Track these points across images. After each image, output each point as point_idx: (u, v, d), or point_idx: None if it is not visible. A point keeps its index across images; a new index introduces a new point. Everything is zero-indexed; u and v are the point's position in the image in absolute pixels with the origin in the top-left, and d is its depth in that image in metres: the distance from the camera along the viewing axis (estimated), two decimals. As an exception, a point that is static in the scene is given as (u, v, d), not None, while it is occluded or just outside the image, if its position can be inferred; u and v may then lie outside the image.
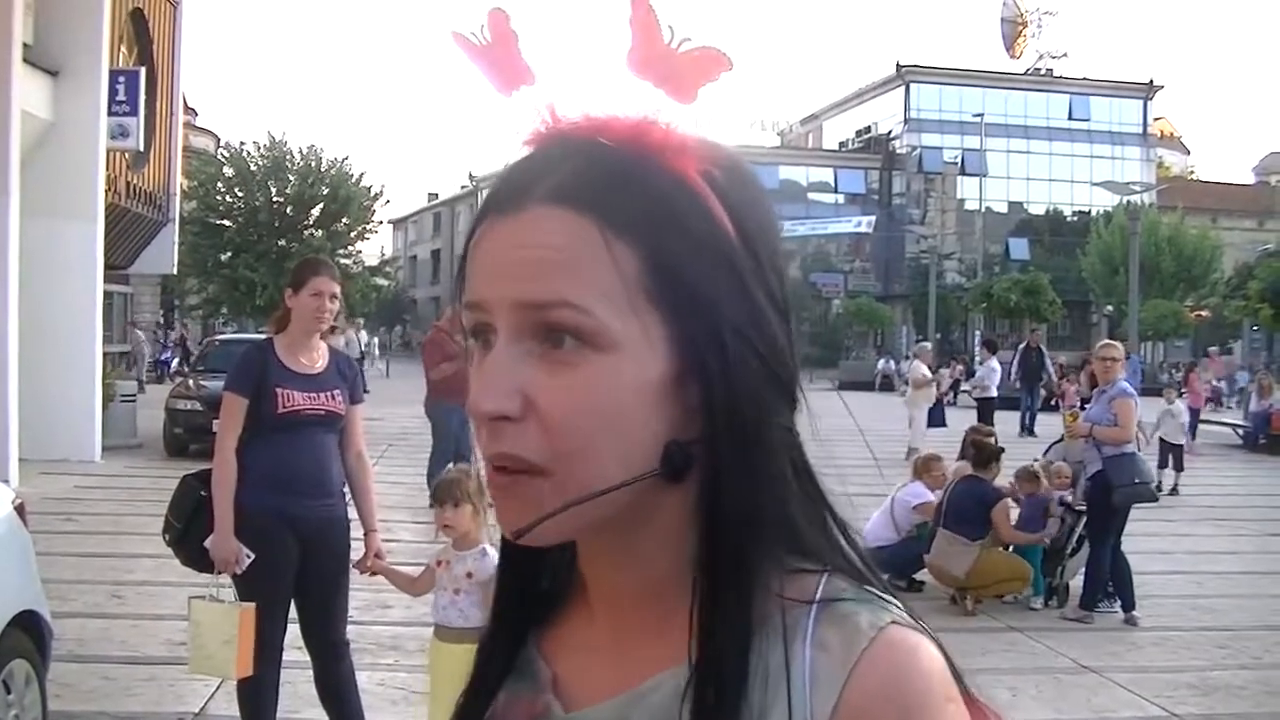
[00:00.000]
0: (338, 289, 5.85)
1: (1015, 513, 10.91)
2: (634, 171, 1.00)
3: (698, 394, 1.00)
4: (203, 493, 5.65)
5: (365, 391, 6.70)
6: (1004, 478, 11.38)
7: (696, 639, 0.99)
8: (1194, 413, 27.61)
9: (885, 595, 1.04)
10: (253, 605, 5.52)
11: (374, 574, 5.88)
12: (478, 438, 1.03)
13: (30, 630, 5.67)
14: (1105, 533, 10.27)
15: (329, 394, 5.70)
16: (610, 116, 1.03)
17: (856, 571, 1.06)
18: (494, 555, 5.38)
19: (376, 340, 68.25)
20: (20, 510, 5.99)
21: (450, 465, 6.38)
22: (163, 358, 44.83)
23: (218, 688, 7.10)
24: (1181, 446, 19.46)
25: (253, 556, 5.50)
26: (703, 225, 1.00)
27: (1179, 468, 19.16)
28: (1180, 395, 21.63)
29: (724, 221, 1.01)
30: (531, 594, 1.18)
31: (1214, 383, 36.41)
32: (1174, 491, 18.26)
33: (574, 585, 1.16)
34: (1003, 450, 11.24)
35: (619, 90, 1.03)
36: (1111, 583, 10.39)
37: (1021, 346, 30.65)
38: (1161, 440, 18.92)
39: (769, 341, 1.03)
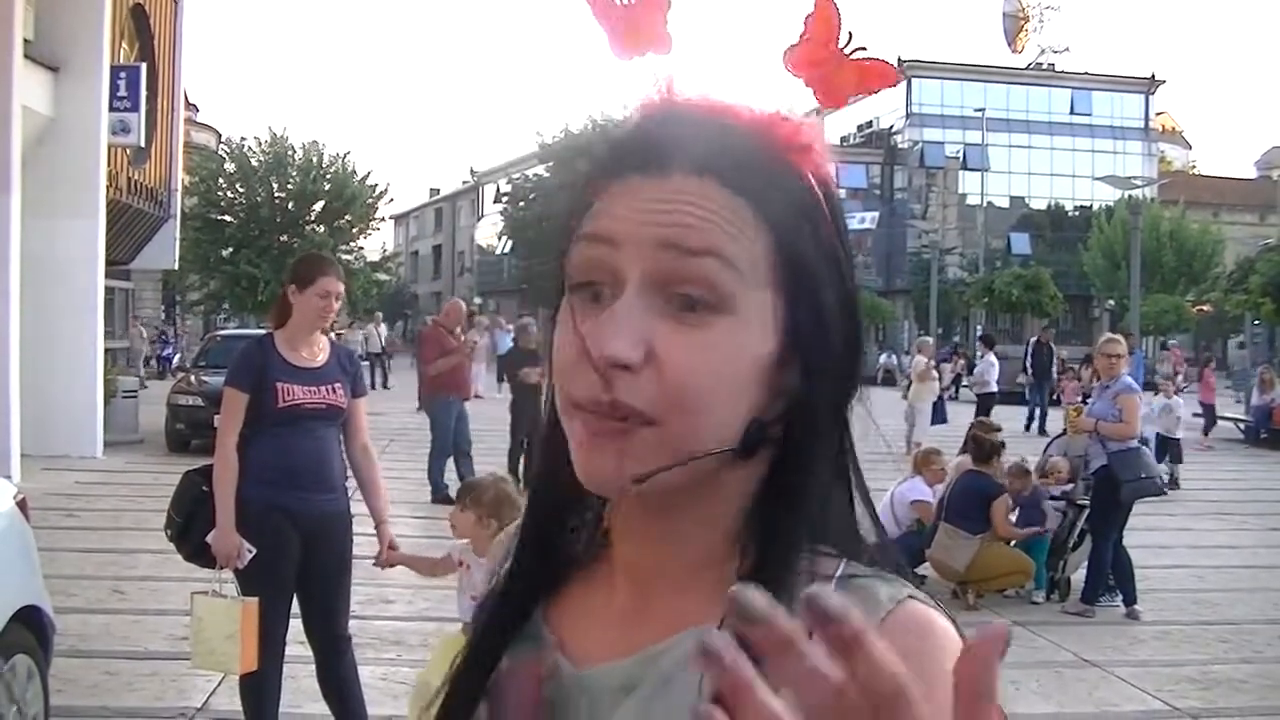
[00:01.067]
0: (342, 288, 5.86)
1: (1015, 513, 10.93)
2: (768, 161, 1.05)
3: (794, 378, 1.04)
4: (204, 488, 5.65)
5: (386, 387, 6.69)
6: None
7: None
8: (1208, 408, 27.61)
9: (901, 577, 1.07)
10: (255, 600, 5.52)
11: (391, 566, 5.88)
12: (571, 381, 1.03)
13: (32, 625, 5.68)
14: (1108, 527, 10.28)
15: (330, 387, 5.70)
16: (732, 103, 1.07)
17: (874, 559, 1.08)
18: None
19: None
20: (22, 506, 5.99)
21: (493, 471, 6.38)
22: (164, 354, 44.81)
23: (220, 683, 7.11)
24: (1179, 440, 19.51)
25: (254, 551, 5.50)
26: (820, 223, 1.06)
27: (1177, 459, 19.20)
28: (1171, 392, 21.64)
29: (830, 221, 1.07)
30: (552, 560, 1.19)
31: (1172, 374, 36.28)
32: (1174, 484, 18.27)
33: (584, 554, 1.19)
34: (1003, 445, 11.24)
35: (737, 76, 1.07)
36: (1113, 577, 10.40)
37: (1033, 341, 30.57)
38: (1159, 435, 18.91)
39: (855, 336, 1.08)
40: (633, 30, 1.08)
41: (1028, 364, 29.52)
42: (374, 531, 5.98)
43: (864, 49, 1.05)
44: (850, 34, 1.04)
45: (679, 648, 1.04)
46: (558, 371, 1.04)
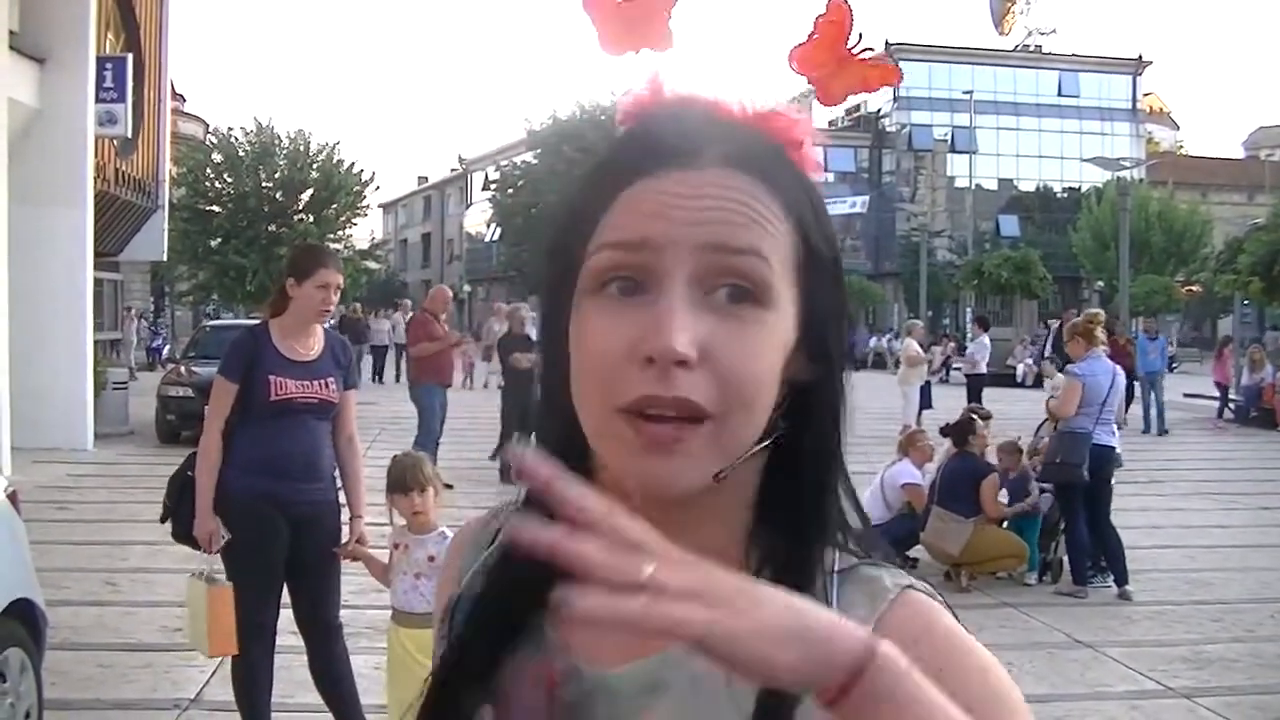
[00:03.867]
0: (341, 279, 5.85)
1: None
2: (783, 159, 1.07)
3: (801, 368, 1.06)
4: (189, 473, 5.68)
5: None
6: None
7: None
8: (1222, 388, 27.66)
9: (896, 564, 1.10)
10: (229, 586, 5.56)
11: (354, 559, 5.86)
12: (618, 382, 1.01)
13: (25, 618, 5.67)
14: (1068, 508, 10.39)
15: (322, 381, 5.70)
16: (724, 97, 1.09)
17: (862, 548, 1.10)
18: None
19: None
20: (13, 499, 5.98)
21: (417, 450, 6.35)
22: (154, 345, 44.71)
23: (213, 673, 7.11)
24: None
25: (227, 537, 5.55)
26: (823, 220, 1.09)
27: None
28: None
29: (827, 219, 1.10)
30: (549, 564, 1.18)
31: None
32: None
33: None
34: (974, 420, 11.22)
35: (729, 71, 1.08)
36: (1104, 558, 10.43)
37: (1056, 325, 29.64)
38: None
39: (847, 331, 1.11)
40: (628, 28, 1.08)
41: (1047, 348, 28.77)
42: (367, 519, 5.98)
43: (871, 49, 1.06)
44: (860, 35, 1.05)
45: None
46: (596, 374, 1.02)
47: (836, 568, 1.05)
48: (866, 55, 1.07)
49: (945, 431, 11.26)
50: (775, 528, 1.06)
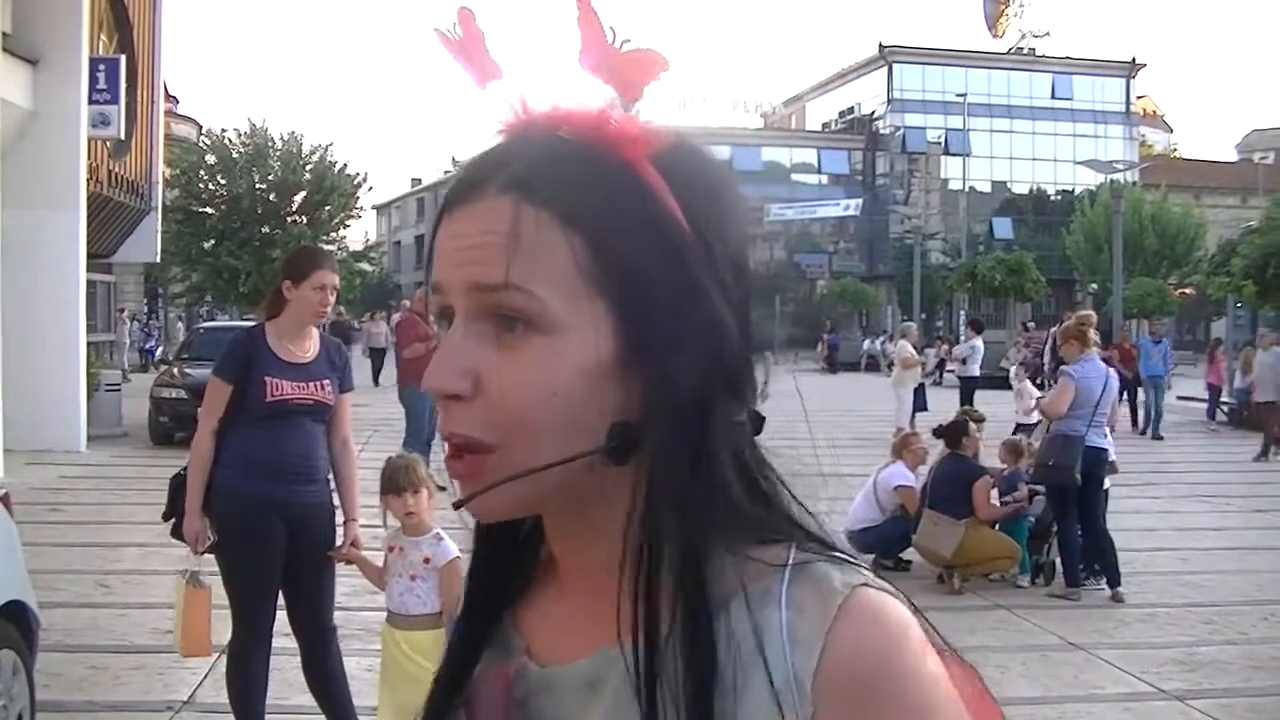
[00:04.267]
0: (338, 280, 5.85)
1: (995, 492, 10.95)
2: (585, 162, 1.04)
3: (642, 369, 1.03)
4: (184, 471, 5.69)
5: None
6: (991, 454, 11.43)
7: (630, 623, 1.02)
8: (1214, 390, 27.64)
9: (854, 560, 1.06)
10: (208, 589, 5.62)
11: (349, 562, 5.86)
12: (440, 413, 1.07)
13: (17, 620, 5.66)
14: (1060, 509, 10.42)
15: (318, 384, 5.70)
16: (572, 109, 1.07)
17: (825, 544, 1.07)
18: (449, 540, 5.38)
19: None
20: (6, 501, 5.98)
21: (411, 452, 6.34)
22: (147, 346, 44.67)
23: (205, 675, 7.10)
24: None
25: (213, 539, 5.56)
26: (649, 214, 1.03)
27: None
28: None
29: (673, 211, 1.04)
30: (505, 572, 1.21)
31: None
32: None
33: (545, 563, 1.20)
34: (967, 423, 11.24)
35: (585, 84, 1.07)
36: (1097, 561, 10.44)
37: (1054, 332, 28.26)
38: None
39: (714, 329, 1.04)
40: (469, 62, 1.10)
41: (1045, 356, 27.40)
42: (360, 521, 5.97)
43: (629, 40, 1.05)
44: (613, 30, 1.05)
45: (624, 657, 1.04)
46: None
47: (791, 561, 1.03)
48: (630, 48, 1.06)
49: (938, 433, 11.27)
50: (646, 534, 1.04)
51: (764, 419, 1.12)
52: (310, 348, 5.75)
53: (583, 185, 1.03)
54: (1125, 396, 24.55)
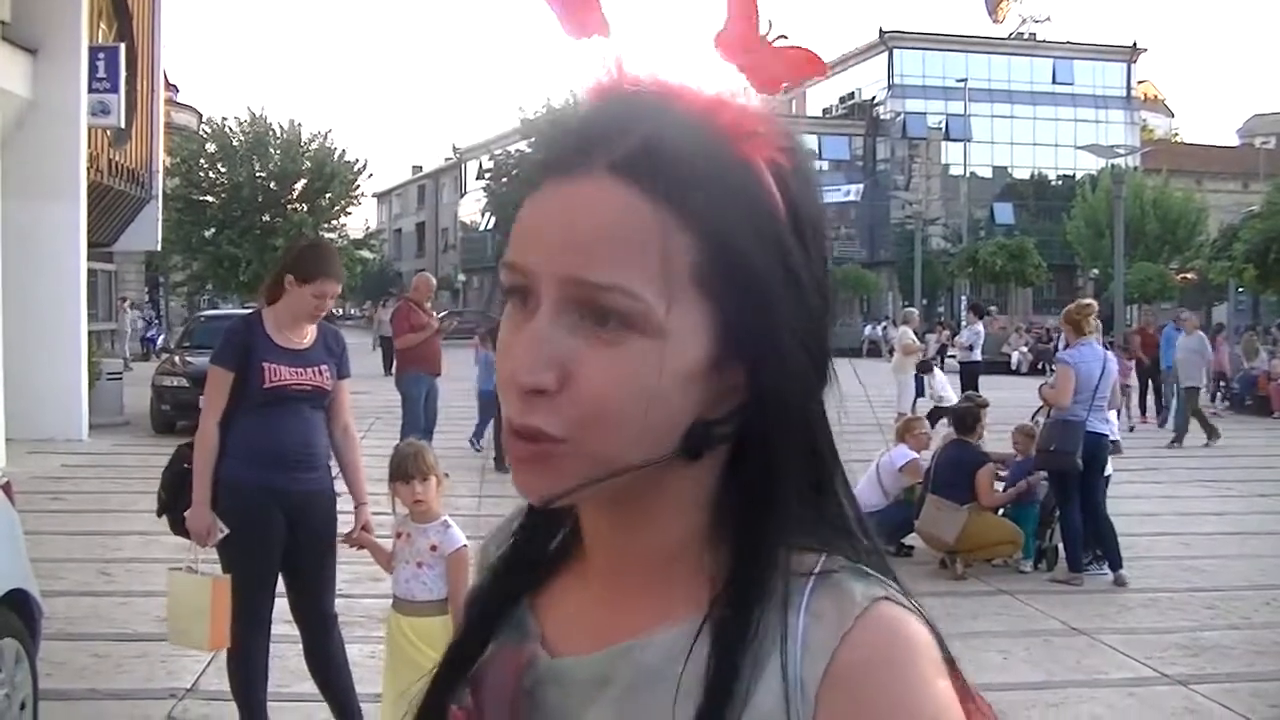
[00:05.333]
0: (339, 289, 5.84)
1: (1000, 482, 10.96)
2: (703, 153, 0.99)
3: (742, 378, 1.01)
4: (186, 465, 5.65)
5: None
6: (997, 442, 11.43)
7: (713, 605, 1.02)
8: (1219, 375, 27.53)
9: (881, 575, 1.04)
10: (227, 577, 5.54)
11: (360, 547, 5.85)
12: (506, 402, 1.02)
13: (20, 609, 5.66)
14: (1063, 494, 10.41)
15: (316, 369, 5.68)
16: (682, 86, 1.02)
17: (857, 552, 1.06)
18: (456, 528, 5.37)
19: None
20: (8, 489, 5.97)
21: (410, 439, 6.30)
22: (148, 335, 44.68)
23: (209, 663, 7.10)
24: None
25: (226, 531, 5.50)
26: (763, 216, 1.01)
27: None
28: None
29: (782, 213, 1.02)
30: (537, 556, 1.19)
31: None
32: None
33: (568, 549, 1.18)
34: (983, 407, 11.26)
35: (694, 60, 1.03)
36: (1098, 545, 10.44)
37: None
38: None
39: (813, 328, 1.04)
40: (573, 12, 1.04)
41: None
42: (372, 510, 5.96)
43: (785, 37, 1.02)
44: (770, 22, 1.01)
45: (653, 644, 1.04)
46: (499, 388, 1.04)
47: (817, 570, 1.02)
48: (783, 43, 1.03)
49: (934, 415, 11.30)
50: (725, 532, 1.04)
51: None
52: (308, 334, 5.74)
53: (699, 179, 0.98)
54: (1140, 386, 24.27)
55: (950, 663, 1.02)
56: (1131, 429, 21.71)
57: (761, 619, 0.99)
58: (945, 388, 19.35)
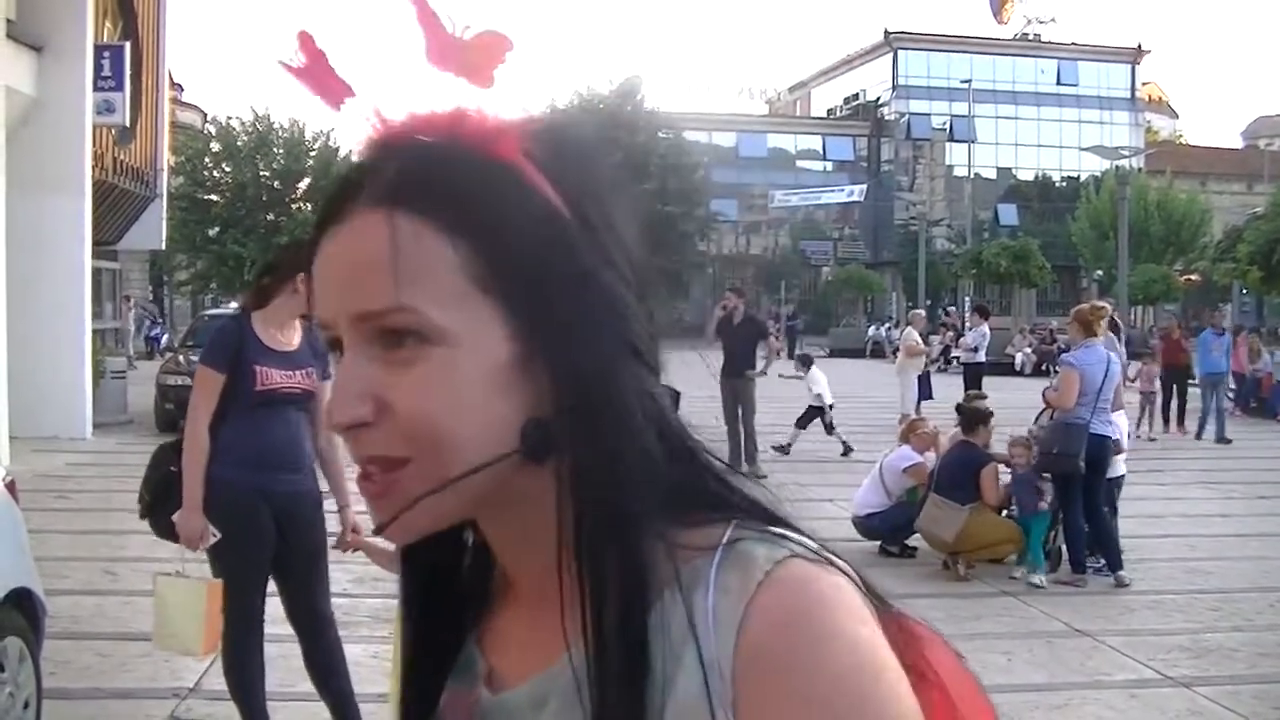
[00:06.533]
0: None
1: (1007, 475, 10.92)
2: (451, 163, 1.00)
3: (545, 372, 1.00)
4: (173, 468, 5.62)
5: None
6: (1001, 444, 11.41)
7: (577, 620, 0.99)
8: (1239, 377, 27.35)
9: (790, 533, 1.02)
10: (219, 581, 5.51)
11: (355, 549, 5.83)
12: (346, 442, 1.04)
13: (24, 608, 5.67)
14: (1066, 496, 10.38)
15: (304, 372, 5.67)
16: (429, 112, 1.03)
17: (767, 516, 1.04)
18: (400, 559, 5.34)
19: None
20: (12, 488, 5.97)
21: None
22: (152, 334, 44.69)
23: (211, 663, 7.08)
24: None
25: (218, 535, 5.47)
26: (525, 207, 1.00)
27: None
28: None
29: (550, 199, 1.01)
30: (455, 593, 1.18)
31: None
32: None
33: (500, 577, 1.16)
34: (991, 414, 11.26)
35: (437, 87, 1.03)
36: (1096, 548, 10.44)
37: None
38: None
39: (612, 309, 1.02)
40: (318, 86, 1.06)
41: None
42: (358, 508, 5.93)
43: (469, 27, 1.03)
44: (451, 19, 1.02)
45: (568, 669, 1.02)
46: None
47: (724, 541, 0.99)
48: (472, 34, 1.03)
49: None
50: (572, 528, 1.01)
51: (680, 394, 1.10)
52: (294, 336, 5.73)
53: (453, 186, 1.00)
54: (1165, 394, 23.17)
55: (881, 606, 1.01)
56: (1152, 439, 21.30)
57: (662, 617, 0.97)
58: (819, 383, 18.69)
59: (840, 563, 1.00)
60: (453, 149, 1.00)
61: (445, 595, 1.18)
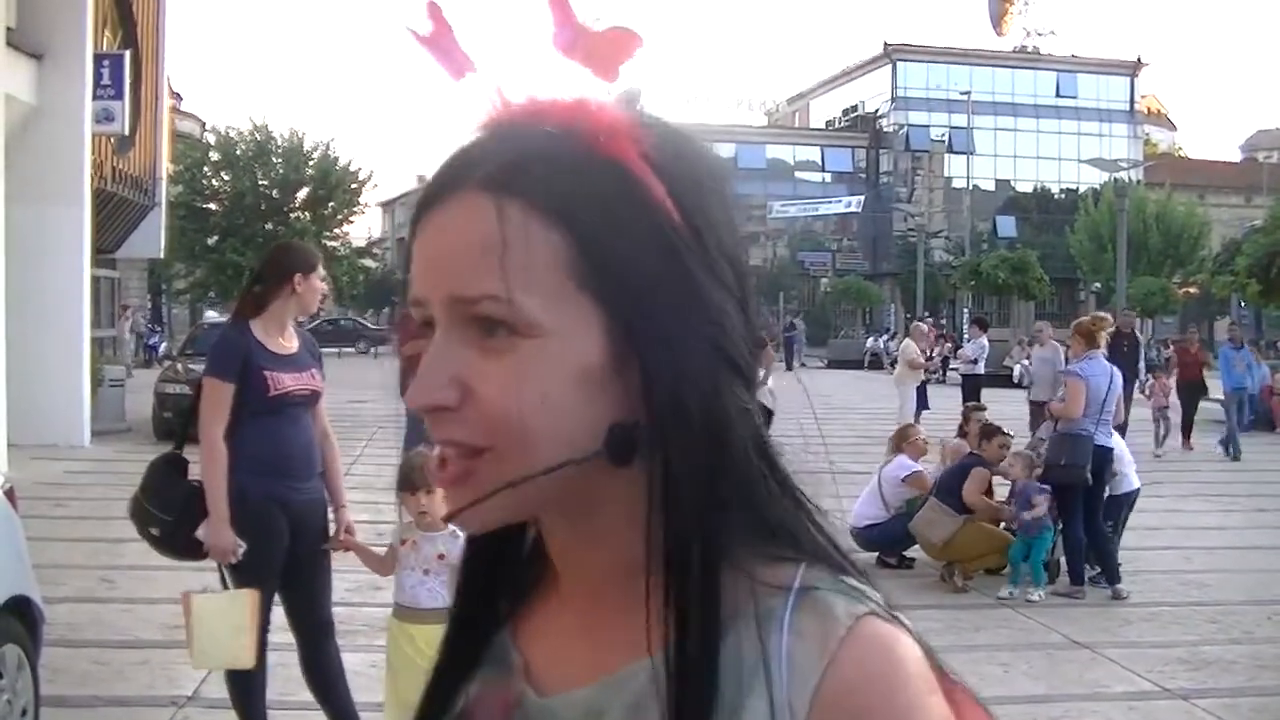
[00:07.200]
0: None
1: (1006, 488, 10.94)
2: (566, 155, 0.99)
3: (638, 376, 0.99)
4: (195, 482, 5.55)
5: None
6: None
7: (661, 634, 0.98)
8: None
9: (862, 586, 1.02)
10: (255, 590, 5.46)
11: (346, 549, 5.82)
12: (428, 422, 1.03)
13: (22, 615, 5.67)
14: (1067, 508, 10.37)
15: (310, 373, 5.68)
16: (552, 100, 1.02)
17: (834, 561, 1.04)
18: (464, 538, 5.34)
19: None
20: (10, 495, 5.97)
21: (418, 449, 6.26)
22: (151, 342, 44.69)
23: (210, 671, 7.08)
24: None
25: (244, 546, 5.41)
26: (636, 208, 0.99)
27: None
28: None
29: (662, 202, 1.00)
30: (499, 582, 1.18)
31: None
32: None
33: (547, 572, 1.15)
34: (1009, 435, 11.26)
35: (562, 73, 1.02)
36: (1094, 560, 10.44)
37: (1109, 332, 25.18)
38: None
39: (715, 321, 1.01)
40: (443, 56, 1.06)
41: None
42: (363, 518, 5.95)
43: (599, 19, 1.02)
44: (584, 9, 1.02)
45: (637, 677, 1.01)
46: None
47: (797, 585, 1.00)
48: (603, 27, 1.02)
49: (981, 422, 11.29)
50: (656, 542, 1.01)
51: (773, 413, 1.10)
52: (293, 340, 5.73)
53: (565, 179, 0.98)
54: (1184, 410, 22.95)
55: (939, 671, 1.01)
56: (1157, 455, 20.92)
57: (737, 645, 0.98)
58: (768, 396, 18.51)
59: (907, 621, 1.02)
60: (570, 141, 0.99)
61: (493, 585, 1.18)
